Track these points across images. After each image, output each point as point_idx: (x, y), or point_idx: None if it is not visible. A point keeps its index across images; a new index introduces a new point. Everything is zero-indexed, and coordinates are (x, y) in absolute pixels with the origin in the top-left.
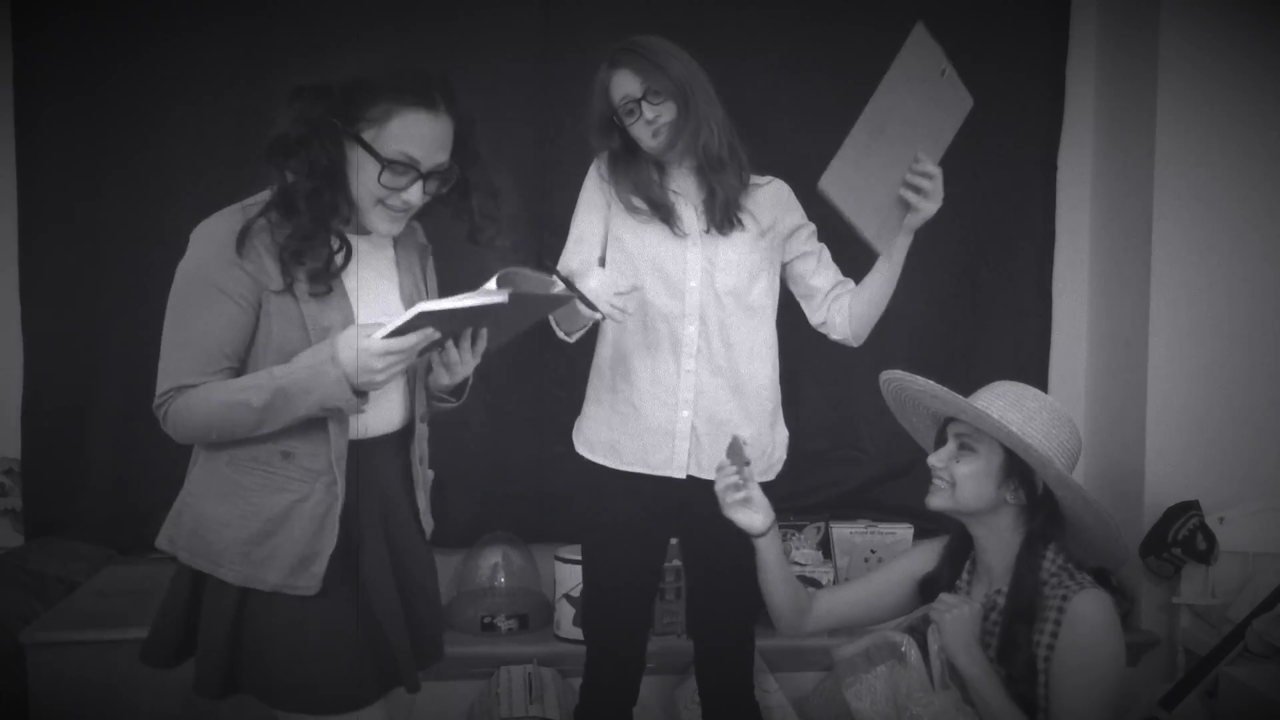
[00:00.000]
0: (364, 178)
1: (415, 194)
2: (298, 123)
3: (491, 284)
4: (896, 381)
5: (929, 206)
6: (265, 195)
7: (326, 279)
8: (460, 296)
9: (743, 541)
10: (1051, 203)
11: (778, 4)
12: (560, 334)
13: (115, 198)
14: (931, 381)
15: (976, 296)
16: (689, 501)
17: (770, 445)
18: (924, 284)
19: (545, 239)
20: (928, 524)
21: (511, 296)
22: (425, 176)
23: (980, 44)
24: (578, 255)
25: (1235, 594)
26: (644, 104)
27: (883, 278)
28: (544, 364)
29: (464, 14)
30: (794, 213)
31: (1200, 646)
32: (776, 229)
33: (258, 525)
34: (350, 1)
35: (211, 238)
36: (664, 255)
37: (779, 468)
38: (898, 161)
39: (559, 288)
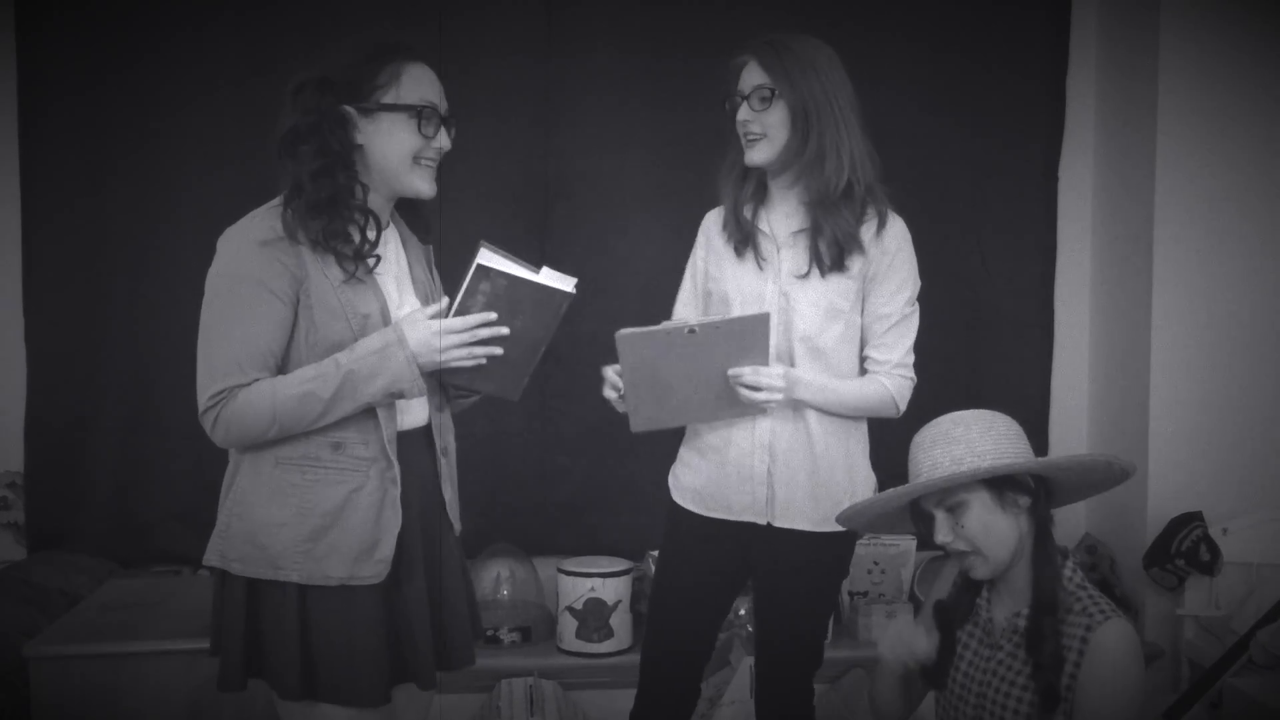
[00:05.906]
0: (396, 142)
1: (444, 139)
2: (307, 113)
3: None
4: (853, 522)
5: (765, 396)
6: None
7: (366, 254)
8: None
9: (817, 592)
10: (1053, 212)
11: (777, 5)
12: None
13: (119, 209)
14: (879, 502)
15: (977, 307)
16: (769, 552)
17: (845, 490)
18: (924, 294)
19: (546, 248)
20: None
21: (569, 291)
22: (445, 121)
23: (981, 51)
24: (680, 296)
25: (1239, 605)
26: (748, 102)
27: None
28: (545, 376)
29: (466, 14)
30: (895, 265)
31: (1204, 658)
32: (866, 274)
33: (315, 521)
34: (351, 0)
35: (248, 239)
36: (747, 292)
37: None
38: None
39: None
